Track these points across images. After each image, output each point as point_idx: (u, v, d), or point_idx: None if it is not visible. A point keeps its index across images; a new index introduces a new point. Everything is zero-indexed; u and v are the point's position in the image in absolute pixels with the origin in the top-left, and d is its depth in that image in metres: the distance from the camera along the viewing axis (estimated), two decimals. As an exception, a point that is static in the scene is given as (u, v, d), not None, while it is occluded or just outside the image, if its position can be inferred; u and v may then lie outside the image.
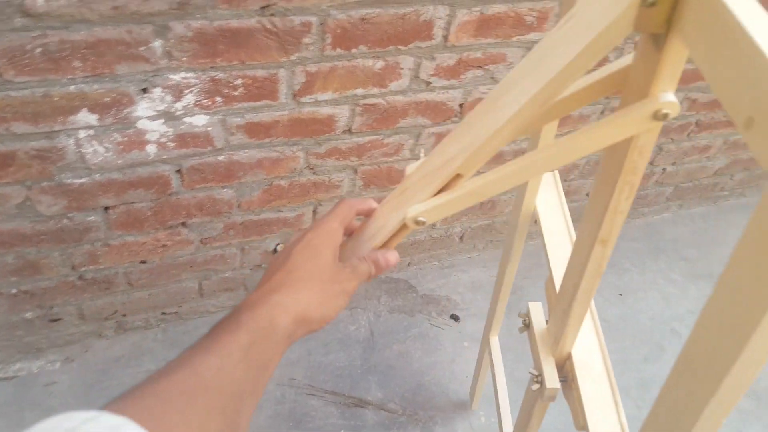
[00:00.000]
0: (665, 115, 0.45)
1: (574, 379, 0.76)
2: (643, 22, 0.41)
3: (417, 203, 0.53)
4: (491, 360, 1.26)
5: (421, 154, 0.59)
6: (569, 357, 0.78)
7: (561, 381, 0.78)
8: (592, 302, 0.79)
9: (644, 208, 1.93)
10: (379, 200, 0.60)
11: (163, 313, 1.51)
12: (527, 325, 0.85)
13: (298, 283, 0.47)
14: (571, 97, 0.54)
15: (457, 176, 0.52)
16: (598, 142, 0.48)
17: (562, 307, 0.73)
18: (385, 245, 0.56)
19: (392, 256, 0.55)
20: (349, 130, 1.27)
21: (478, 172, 0.53)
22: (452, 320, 1.64)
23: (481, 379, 1.39)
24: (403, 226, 0.54)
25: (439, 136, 1.38)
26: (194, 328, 1.53)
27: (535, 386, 0.79)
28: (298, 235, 0.53)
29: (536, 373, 0.79)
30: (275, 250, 1.44)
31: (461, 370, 1.55)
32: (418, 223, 0.53)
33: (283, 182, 1.31)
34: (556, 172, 1.04)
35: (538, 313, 0.84)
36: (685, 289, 1.79)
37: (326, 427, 1.41)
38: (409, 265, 1.71)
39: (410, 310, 1.64)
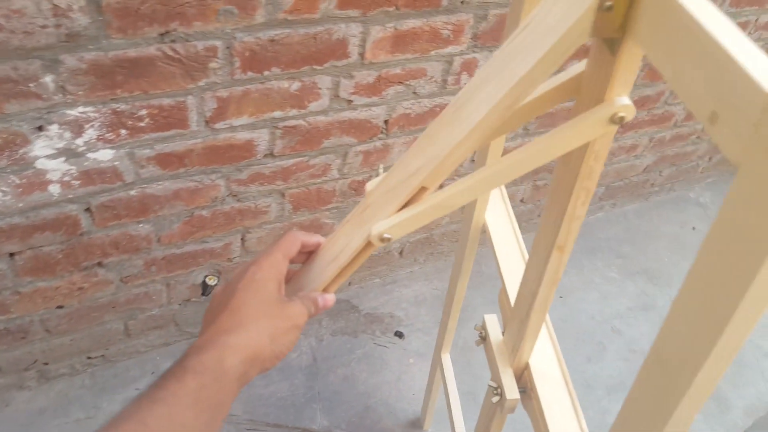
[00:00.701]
0: (621, 119, 0.45)
1: (533, 388, 0.76)
2: (600, 27, 0.41)
3: (381, 219, 0.52)
4: (443, 377, 1.23)
5: (380, 171, 0.58)
6: (527, 367, 0.78)
7: (520, 391, 0.77)
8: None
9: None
10: (326, 234, 0.58)
11: (88, 358, 1.42)
12: (484, 338, 0.84)
13: (245, 321, 0.45)
14: (526, 107, 0.53)
15: (422, 189, 0.51)
16: (557, 149, 0.48)
17: (519, 317, 0.71)
18: (349, 265, 0.55)
19: (330, 299, 0.55)
20: (270, 154, 1.23)
21: (441, 185, 0.52)
22: (397, 337, 1.61)
23: (433, 397, 1.36)
24: (368, 244, 0.53)
25: (367, 154, 1.35)
26: (124, 369, 1.45)
27: (495, 398, 0.78)
28: (241, 269, 0.51)
29: (495, 385, 0.78)
30: (204, 283, 1.38)
31: (408, 388, 1.51)
32: (383, 240, 0.51)
33: (204, 212, 1.25)
34: (503, 186, 1.04)
35: (493, 325, 0.84)
36: (623, 286, 1.81)
37: (271, 462, 1.36)
38: (350, 284, 1.67)
39: (353, 331, 1.60)
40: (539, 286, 0.64)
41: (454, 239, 1.74)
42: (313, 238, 0.57)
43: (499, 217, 0.97)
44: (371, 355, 1.56)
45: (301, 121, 1.20)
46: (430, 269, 1.76)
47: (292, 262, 0.54)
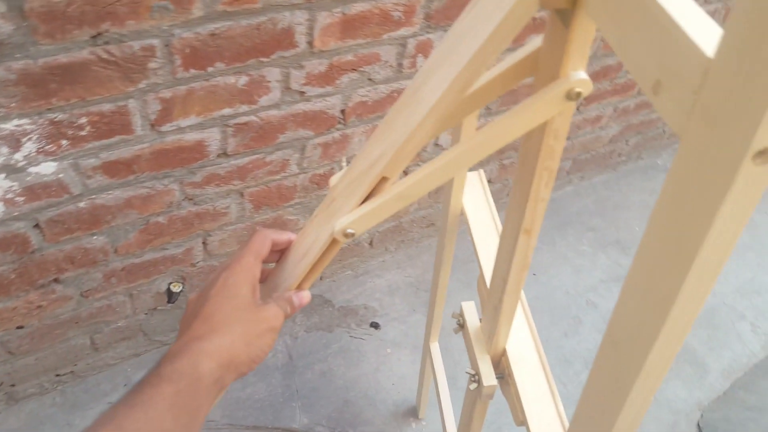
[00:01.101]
0: (578, 94, 0.44)
1: (510, 374, 0.75)
2: None
3: (346, 212, 0.50)
4: (432, 366, 1.22)
5: (344, 163, 0.57)
6: (504, 353, 0.77)
7: (498, 377, 0.76)
8: (522, 294, 0.78)
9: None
10: (297, 231, 0.57)
11: (57, 375, 1.38)
12: (461, 325, 0.83)
13: (219, 327, 0.44)
14: (487, 86, 0.51)
15: (383, 179, 0.50)
16: (515, 129, 0.46)
17: (493, 303, 0.70)
18: (319, 261, 0.53)
19: (305, 297, 0.54)
20: (224, 154, 1.19)
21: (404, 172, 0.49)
22: (372, 328, 1.59)
23: (425, 386, 1.34)
24: (334, 241, 0.52)
25: (326, 147, 1.32)
26: (95, 384, 1.41)
27: (473, 385, 0.77)
28: (213, 276, 0.50)
29: (473, 372, 0.77)
30: (168, 290, 1.34)
31: (386, 378, 1.50)
32: (347, 235, 0.50)
33: (160, 219, 1.21)
34: (482, 171, 1.03)
35: (471, 312, 0.82)
36: (595, 259, 1.81)
37: (253, 465, 1.34)
38: (321, 278, 1.65)
39: (328, 326, 1.57)
40: (509, 270, 0.63)
41: (423, 225, 1.72)
42: (284, 236, 0.56)
43: (476, 201, 0.96)
44: (348, 349, 1.54)
45: (252, 117, 1.16)
46: (401, 257, 1.74)
47: (265, 261, 0.53)
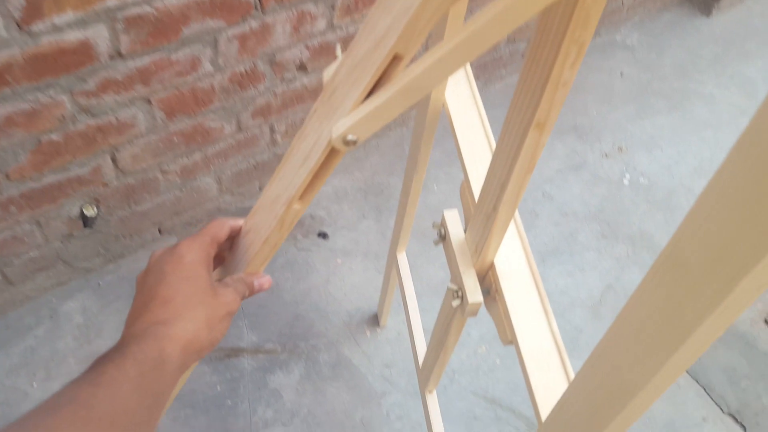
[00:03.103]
0: None
1: (498, 290, 0.67)
2: None
3: (348, 109, 0.41)
4: (399, 277, 1.14)
5: (338, 52, 0.48)
6: (492, 266, 0.68)
7: (483, 293, 0.68)
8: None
9: (501, 70, 1.80)
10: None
11: (-27, 314, 1.26)
12: (443, 237, 0.73)
13: (182, 311, 0.44)
14: None
15: (396, 59, 0.40)
16: None
17: (485, 211, 0.61)
18: (318, 174, 0.46)
19: (266, 282, 0.52)
20: (118, 54, 1.01)
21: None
22: (320, 239, 1.49)
23: (389, 295, 1.27)
24: (332, 151, 0.43)
25: (243, 39, 1.14)
26: (17, 319, 1.30)
27: (456, 302, 0.69)
28: (163, 253, 0.48)
29: (455, 287, 0.69)
30: (82, 214, 1.20)
31: (338, 289, 1.42)
32: (348, 143, 0.42)
33: (54, 136, 1.05)
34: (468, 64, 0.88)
35: (454, 222, 0.73)
36: (551, 148, 1.71)
37: (201, 388, 1.27)
38: (260, 189, 1.52)
39: (269, 239, 1.47)
40: (510, 173, 0.53)
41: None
42: (241, 222, 0.53)
43: (461, 98, 0.83)
44: (295, 262, 1.45)
45: (146, 8, 0.98)
46: (347, 160, 1.61)
47: (219, 248, 0.51)
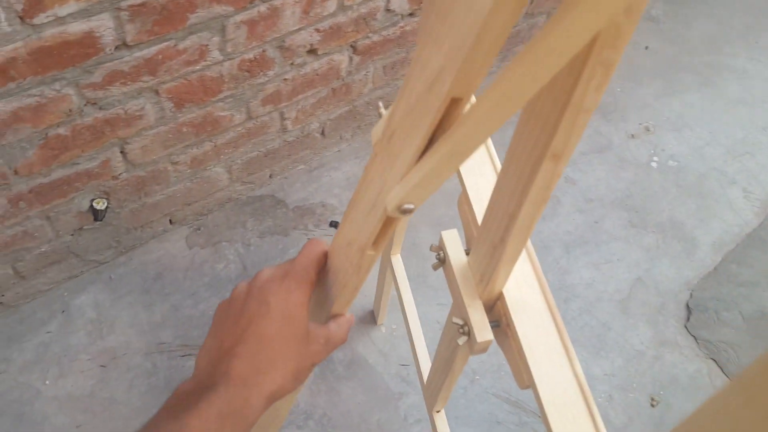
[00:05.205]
0: None
1: (510, 324, 0.60)
2: None
3: (408, 156, 0.37)
4: (395, 279, 1.10)
5: (382, 110, 0.46)
6: (500, 296, 0.62)
7: (493, 326, 0.62)
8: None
9: (518, 47, 1.72)
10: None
11: (-13, 308, 1.25)
12: (442, 260, 0.67)
13: (277, 359, 0.41)
14: None
15: (454, 102, 0.35)
16: None
17: (491, 241, 0.55)
18: (385, 225, 0.42)
19: (349, 324, 0.48)
20: (124, 45, 0.97)
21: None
22: (333, 228, 1.45)
23: (385, 293, 1.23)
24: (389, 219, 0.41)
25: (252, 25, 1.09)
26: (30, 313, 1.28)
27: (462, 339, 0.62)
28: (269, 275, 0.44)
29: (461, 322, 0.62)
30: (92, 208, 1.17)
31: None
32: (404, 212, 0.39)
33: (61, 130, 1.02)
34: None
35: (454, 243, 0.66)
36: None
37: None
38: (271, 177, 1.48)
39: (283, 229, 1.43)
40: (520, 206, 0.47)
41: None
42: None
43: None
44: (308, 251, 1.41)
45: (150, -4, 0.93)
46: (359, 144, 1.57)
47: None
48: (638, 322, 1.34)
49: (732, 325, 1.36)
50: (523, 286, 0.62)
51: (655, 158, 1.61)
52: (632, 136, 1.65)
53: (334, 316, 0.47)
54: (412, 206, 0.38)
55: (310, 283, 0.45)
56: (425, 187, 0.37)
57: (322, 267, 0.48)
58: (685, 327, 1.35)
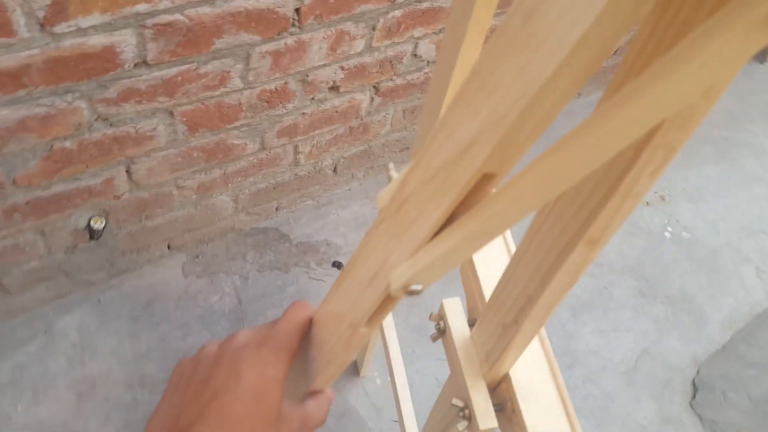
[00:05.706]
0: None
1: (515, 410, 0.54)
2: None
3: (428, 221, 0.31)
4: (382, 332, 1.04)
5: (391, 172, 0.41)
6: (506, 377, 0.56)
7: (496, 410, 0.56)
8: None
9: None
10: None
11: (-34, 320, 1.18)
12: (442, 331, 0.62)
13: None
14: None
15: (486, 177, 0.30)
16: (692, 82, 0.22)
17: (501, 320, 0.50)
18: (385, 301, 0.36)
19: (330, 401, 0.43)
20: (143, 63, 0.94)
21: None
22: (335, 269, 1.41)
23: (371, 345, 1.17)
24: (388, 297, 0.35)
25: (277, 56, 1.06)
26: (10, 331, 1.21)
27: (462, 424, 0.56)
28: (248, 337, 0.38)
29: (461, 404, 0.56)
30: (89, 227, 1.12)
31: (351, 325, 1.33)
32: (410, 292, 0.33)
33: (68, 143, 0.97)
34: None
35: (456, 314, 0.60)
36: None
37: None
38: (277, 209, 1.44)
39: (284, 265, 1.38)
40: (543, 289, 0.42)
41: (397, 149, 1.50)
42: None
43: None
44: (306, 291, 1.36)
45: (177, 16, 0.90)
46: (370, 185, 1.53)
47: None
48: (643, 396, 1.28)
49: (739, 407, 1.30)
50: (531, 367, 0.56)
51: (669, 228, 1.57)
52: (647, 203, 1.63)
53: (313, 393, 0.41)
54: (420, 287, 0.33)
55: (291, 353, 0.38)
56: (438, 269, 0.32)
57: (306, 334, 0.41)
58: (691, 405, 1.30)
